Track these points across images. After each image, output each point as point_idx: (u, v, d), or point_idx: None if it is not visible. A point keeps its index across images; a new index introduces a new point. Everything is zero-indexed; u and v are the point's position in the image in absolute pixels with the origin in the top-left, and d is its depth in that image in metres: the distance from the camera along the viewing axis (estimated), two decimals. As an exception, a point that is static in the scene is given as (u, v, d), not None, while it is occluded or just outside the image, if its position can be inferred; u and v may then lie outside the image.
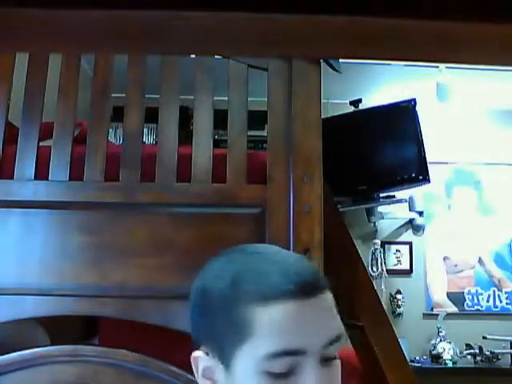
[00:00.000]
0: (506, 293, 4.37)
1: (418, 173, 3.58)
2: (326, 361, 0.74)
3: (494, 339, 4.02)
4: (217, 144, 1.70)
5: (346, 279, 2.12)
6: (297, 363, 0.72)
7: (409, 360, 3.34)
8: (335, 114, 3.61)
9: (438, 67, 3.73)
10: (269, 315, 0.71)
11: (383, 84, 4.13)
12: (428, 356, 4.12)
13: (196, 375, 0.79)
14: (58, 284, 1.51)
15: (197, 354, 0.78)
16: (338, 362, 0.76)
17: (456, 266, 4.41)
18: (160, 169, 1.57)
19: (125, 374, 1.48)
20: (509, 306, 4.35)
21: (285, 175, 1.56)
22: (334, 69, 2.06)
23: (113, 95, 1.63)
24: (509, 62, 1.81)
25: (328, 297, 0.76)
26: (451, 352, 4.06)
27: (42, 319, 1.66)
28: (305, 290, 0.72)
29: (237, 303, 0.73)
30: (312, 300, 0.73)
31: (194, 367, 0.79)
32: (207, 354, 0.77)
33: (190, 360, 0.80)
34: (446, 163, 4.42)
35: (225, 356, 0.74)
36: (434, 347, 4.10)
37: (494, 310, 4.34)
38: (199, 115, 1.62)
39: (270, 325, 0.71)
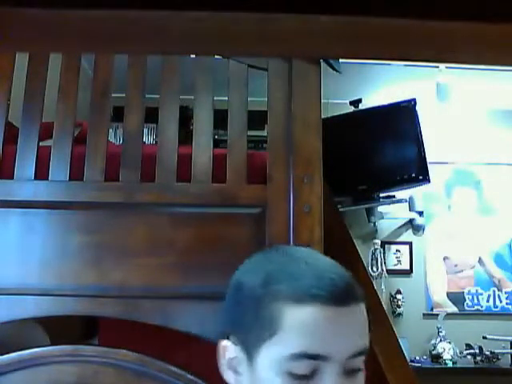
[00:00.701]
0: (506, 293, 4.37)
1: (418, 173, 3.58)
2: (349, 371, 0.73)
3: (494, 339, 4.02)
4: (217, 144, 1.70)
5: (346, 279, 2.11)
6: (319, 368, 0.72)
7: (409, 360, 3.34)
8: (335, 114, 3.61)
9: (438, 67, 3.73)
10: (297, 316, 0.72)
11: (383, 84, 4.13)
12: (428, 356, 4.12)
13: (221, 364, 0.80)
14: (58, 284, 1.51)
15: (225, 343, 0.79)
16: (361, 375, 0.76)
17: (456, 266, 4.41)
18: (160, 169, 1.57)
19: (125, 373, 1.48)
20: (509, 306, 4.35)
21: (285, 175, 1.56)
22: (334, 69, 2.06)
23: (113, 95, 1.63)
24: (509, 61, 1.80)
25: (360, 309, 0.75)
26: (451, 352, 4.06)
27: (42, 319, 1.66)
28: (337, 297, 0.72)
29: (267, 300, 0.74)
30: (343, 309, 0.73)
31: (220, 356, 0.80)
32: (235, 344, 0.78)
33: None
34: (446, 163, 4.42)
35: (250, 349, 0.75)
36: (434, 347, 4.10)
37: (494, 310, 4.34)
38: (199, 115, 1.62)
39: (297, 326, 0.72)
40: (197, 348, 1.56)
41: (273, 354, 0.72)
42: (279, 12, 1.60)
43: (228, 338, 0.79)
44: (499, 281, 4.39)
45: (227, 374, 0.79)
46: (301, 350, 0.71)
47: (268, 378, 0.73)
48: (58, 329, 1.79)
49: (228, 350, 0.79)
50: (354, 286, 0.76)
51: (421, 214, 4.42)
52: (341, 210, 3.48)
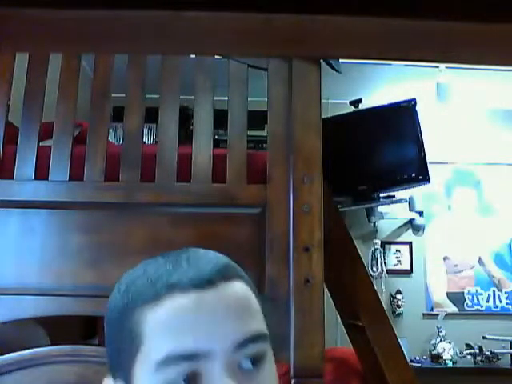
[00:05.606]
0: (505, 293, 4.37)
1: (418, 173, 3.57)
2: (243, 366, 0.60)
3: (494, 339, 4.02)
4: (217, 144, 1.70)
5: (347, 279, 2.12)
6: (200, 371, 0.58)
7: (409, 360, 3.34)
8: (335, 113, 3.61)
9: (437, 67, 3.73)
10: (157, 315, 0.60)
11: (383, 84, 4.13)
12: (428, 356, 4.12)
13: None
14: (58, 284, 1.51)
15: (105, 382, 0.69)
16: (265, 370, 0.61)
17: (456, 266, 4.41)
18: (160, 169, 1.57)
19: (125, 374, 1.48)
20: (509, 306, 4.35)
21: (285, 175, 1.56)
22: (334, 69, 2.06)
23: (113, 95, 1.63)
24: (509, 62, 1.80)
25: (235, 286, 0.62)
26: (451, 352, 4.06)
27: (42, 319, 1.66)
28: (198, 278, 0.61)
29: (128, 310, 0.63)
30: (209, 291, 0.60)
31: None
32: (115, 379, 0.67)
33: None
34: (446, 163, 4.42)
35: (127, 376, 0.63)
36: (434, 347, 4.10)
37: (494, 310, 4.34)
38: (199, 115, 1.62)
39: (158, 326, 0.60)
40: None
41: (144, 371, 0.60)
42: (279, 12, 1.60)
43: (111, 374, 0.68)
44: (499, 281, 4.39)
45: None
46: (166, 354, 0.58)
47: None
48: (57, 329, 1.79)
49: None
50: (225, 265, 0.64)
51: (421, 214, 4.42)
52: (341, 210, 3.48)
